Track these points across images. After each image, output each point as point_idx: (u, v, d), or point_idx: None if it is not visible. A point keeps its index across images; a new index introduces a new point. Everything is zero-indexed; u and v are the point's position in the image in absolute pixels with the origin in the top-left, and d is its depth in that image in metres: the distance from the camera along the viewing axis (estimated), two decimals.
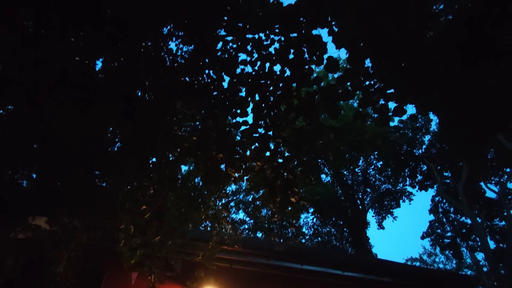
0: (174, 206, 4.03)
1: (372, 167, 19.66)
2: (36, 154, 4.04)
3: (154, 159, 4.03)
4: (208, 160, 3.70)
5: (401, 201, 19.87)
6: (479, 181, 17.45)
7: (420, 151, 18.51)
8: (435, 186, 18.78)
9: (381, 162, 19.16)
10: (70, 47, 3.74)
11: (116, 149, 4.28)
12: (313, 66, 3.27)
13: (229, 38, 3.46)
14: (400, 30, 2.93)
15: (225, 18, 3.21)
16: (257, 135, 3.52)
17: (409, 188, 19.82)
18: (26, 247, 4.77)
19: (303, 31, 3.20)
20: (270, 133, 3.53)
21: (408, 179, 19.32)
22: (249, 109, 3.56)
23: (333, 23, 3.11)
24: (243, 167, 3.68)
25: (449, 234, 19.58)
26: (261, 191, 3.87)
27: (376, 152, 18.12)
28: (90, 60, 4.06)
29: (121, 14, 3.47)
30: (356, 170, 19.31)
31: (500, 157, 15.82)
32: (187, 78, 3.80)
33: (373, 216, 20.73)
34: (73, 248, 3.91)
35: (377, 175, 19.63)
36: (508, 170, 16.47)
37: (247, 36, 3.42)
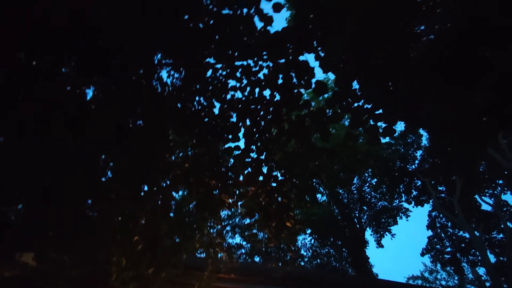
0: (167, 236, 3.93)
1: (367, 184, 19.66)
2: (24, 185, 3.95)
3: (146, 188, 3.97)
4: (200, 187, 3.65)
5: (398, 217, 19.75)
6: (473, 194, 17.53)
7: (413, 166, 18.65)
8: (430, 201, 18.77)
9: (375, 179, 19.19)
10: (61, 77, 3.76)
11: (107, 178, 4.21)
12: (302, 90, 3.33)
13: (219, 65, 3.53)
14: (384, 54, 3.02)
15: (214, 46, 3.28)
16: (250, 159, 3.52)
17: (405, 204, 19.77)
18: (12, 286, 4.54)
19: (291, 57, 3.28)
20: (263, 157, 3.52)
21: (403, 195, 19.31)
22: (240, 134, 3.58)
23: (319, 48, 3.20)
24: (237, 192, 3.64)
25: (448, 249, 19.36)
26: (256, 216, 3.81)
27: (370, 170, 18.18)
28: (80, 89, 4.07)
29: (111, 44, 3.53)
30: (352, 188, 19.27)
31: (491, 169, 16.01)
32: (178, 105, 3.82)
33: (371, 235, 20.47)
34: (62, 285, 3.74)
35: (372, 193, 19.59)
36: (500, 182, 16.62)
37: (236, 63, 3.49)
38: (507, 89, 3.69)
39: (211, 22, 3.32)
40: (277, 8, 2.76)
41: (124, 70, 3.79)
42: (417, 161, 18.54)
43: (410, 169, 18.64)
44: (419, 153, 18.51)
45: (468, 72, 4.25)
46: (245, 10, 2.93)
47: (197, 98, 3.64)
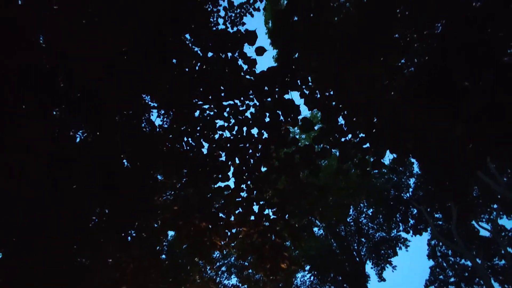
0: (156, 285, 3.71)
1: (363, 215, 19.37)
2: (6, 232, 3.76)
3: (133, 233, 3.81)
4: (191, 230, 3.52)
5: (397, 248, 19.26)
6: (470, 220, 17.36)
7: (408, 194, 18.58)
8: (428, 229, 18.50)
9: (371, 210, 18.96)
10: (50, 122, 3.74)
11: (94, 223, 4.05)
12: (289, 127, 3.36)
13: (206, 106, 3.57)
14: (366, 89, 3.12)
15: (201, 88, 3.34)
16: (240, 199, 3.44)
17: (403, 234, 19.43)
18: None
19: (276, 96, 3.35)
20: (253, 196, 3.45)
21: (400, 224, 19.01)
22: (230, 173, 3.54)
23: (303, 86, 3.29)
24: (228, 234, 3.52)
25: (452, 279, 18.74)
26: (250, 258, 3.66)
27: (365, 200, 18.02)
28: (68, 133, 4.04)
29: (99, 89, 3.56)
30: (348, 219, 18.94)
31: (485, 194, 16.03)
32: (168, 145, 3.80)
33: (372, 268, 19.79)
34: None
35: (369, 223, 19.25)
36: (495, 206, 16.59)
37: (223, 103, 3.54)
38: (486, 119, 3.80)
39: (198, 65, 3.41)
40: (259, 51, 2.86)
41: (113, 113, 3.80)
42: (411, 189, 18.51)
43: (405, 197, 18.55)
44: (412, 180, 18.55)
45: (446, 102, 4.39)
46: (229, 54, 3.03)
47: (185, 139, 3.63)
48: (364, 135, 3.24)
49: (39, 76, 3.39)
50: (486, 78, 5.47)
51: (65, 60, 3.32)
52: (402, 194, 18.92)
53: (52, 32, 2.89)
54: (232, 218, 3.53)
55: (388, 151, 3.47)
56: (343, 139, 3.28)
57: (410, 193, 19.01)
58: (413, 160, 17.59)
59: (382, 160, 3.27)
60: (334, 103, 3.24)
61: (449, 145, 3.86)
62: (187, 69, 3.22)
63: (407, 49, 8.80)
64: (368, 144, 3.22)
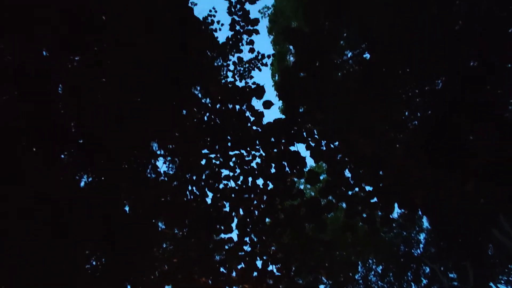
0: None
1: (373, 272, 18.21)
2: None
3: (128, 287, 3.59)
4: (190, 285, 3.32)
5: None
6: (488, 282, 16.17)
7: (419, 251, 17.63)
8: None
9: (381, 267, 17.87)
10: (54, 168, 3.76)
11: (89, 274, 3.85)
12: (295, 179, 3.33)
13: (212, 155, 3.60)
14: (372, 143, 3.14)
15: (208, 138, 3.40)
16: (243, 253, 3.29)
17: None
18: None
19: (282, 147, 3.38)
20: (257, 250, 3.30)
21: (413, 284, 17.74)
22: (233, 225, 3.43)
23: (309, 139, 3.33)
24: None
25: None
26: None
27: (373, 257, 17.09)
28: (72, 179, 4.04)
29: (105, 136, 3.64)
30: (356, 277, 17.78)
31: (502, 254, 15.15)
32: (172, 193, 3.76)
33: None
34: None
35: (379, 282, 18.01)
36: None
37: (229, 153, 3.57)
38: (496, 175, 3.73)
39: (206, 115, 3.52)
40: (267, 105, 2.96)
41: (119, 159, 3.84)
42: (421, 245, 17.61)
43: (416, 254, 17.57)
44: (422, 235, 17.73)
45: (453, 157, 4.36)
46: (237, 106, 3.14)
47: (190, 188, 3.60)
48: (371, 189, 3.18)
49: (51, 120, 3.51)
50: (490, 132, 5.51)
51: (79, 108, 3.46)
52: (413, 251, 17.95)
53: (69, 83, 3.05)
54: (234, 274, 3.34)
55: (396, 206, 3.38)
56: (350, 193, 3.21)
57: (421, 249, 18.04)
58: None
59: (390, 215, 3.16)
60: (340, 156, 3.25)
61: (460, 201, 3.75)
62: (195, 120, 3.31)
63: (410, 104, 9.04)
64: (375, 199, 3.15)
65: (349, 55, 10.47)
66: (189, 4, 4.78)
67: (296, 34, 2.67)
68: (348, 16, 7.49)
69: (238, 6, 5.34)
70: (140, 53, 2.90)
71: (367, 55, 9.93)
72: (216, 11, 7.65)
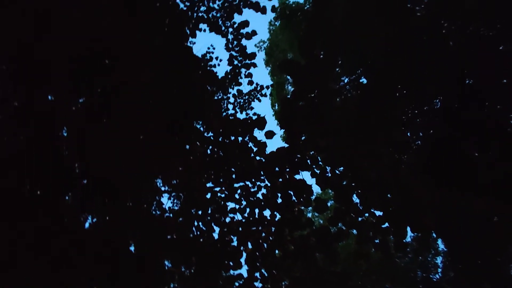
0: None
1: None
2: None
3: None
4: None
5: None
6: None
7: (437, 275, 16.82)
8: None
9: None
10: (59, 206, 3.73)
11: None
12: (303, 208, 3.27)
13: (217, 188, 3.57)
14: (377, 167, 3.11)
15: (212, 172, 3.39)
16: None
17: None
18: None
19: (287, 176, 3.36)
20: (269, 286, 3.17)
21: None
22: (242, 260, 3.32)
23: (313, 166, 3.31)
24: None
25: None
26: None
27: (390, 285, 16.29)
28: (77, 218, 3.99)
29: (109, 174, 3.64)
30: None
31: None
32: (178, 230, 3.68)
33: None
34: None
35: None
36: None
37: (234, 185, 3.54)
38: (504, 192, 3.66)
39: (209, 148, 3.54)
40: (269, 135, 2.98)
41: (124, 198, 3.81)
42: (439, 269, 16.84)
43: (435, 279, 16.74)
44: (439, 259, 17.01)
45: (459, 176, 4.29)
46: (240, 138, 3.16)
47: (196, 223, 3.54)
48: (381, 214, 3.10)
49: (57, 161, 3.54)
50: (494, 149, 5.45)
51: (83, 149, 3.49)
52: (431, 276, 17.14)
53: (74, 125, 3.11)
54: None
55: (409, 230, 3.28)
56: (360, 219, 3.14)
57: (440, 273, 17.23)
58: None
59: (404, 240, 3.06)
60: (346, 181, 3.21)
61: (473, 220, 3.64)
62: (198, 154, 3.32)
63: (411, 124, 9.06)
64: (387, 224, 3.06)
65: (345, 81, 10.71)
66: (188, 43, 4.99)
67: (292, 66, 2.75)
68: (342, 45, 7.75)
69: (235, 42, 5.57)
70: (144, 92, 2.98)
71: (363, 80, 10.15)
72: (214, 48, 7.96)
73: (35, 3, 2.67)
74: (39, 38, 2.28)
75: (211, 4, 5.49)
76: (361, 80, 10.31)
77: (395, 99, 7.72)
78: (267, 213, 3.41)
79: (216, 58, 7.81)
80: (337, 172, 3.31)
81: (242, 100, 7.60)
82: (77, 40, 2.23)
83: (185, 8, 5.51)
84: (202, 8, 5.54)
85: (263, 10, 4.88)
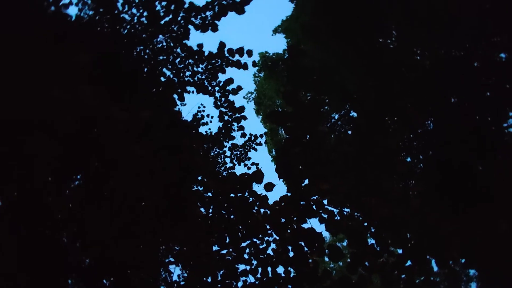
0: None
1: None
2: None
3: None
4: None
5: None
6: None
7: None
8: None
9: None
10: None
11: None
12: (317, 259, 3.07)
13: (224, 251, 3.38)
14: (386, 203, 2.99)
15: (216, 235, 3.24)
16: None
17: None
18: None
19: (295, 226, 3.20)
20: None
21: None
22: None
23: (320, 211, 3.18)
24: None
25: None
26: None
27: None
28: None
29: (114, 254, 3.46)
30: None
31: None
32: None
33: None
34: None
35: None
36: None
37: (241, 244, 3.36)
38: None
39: (210, 210, 3.42)
40: (268, 187, 2.91)
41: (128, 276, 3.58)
42: None
43: None
44: (474, 286, 15.80)
45: (472, 198, 4.15)
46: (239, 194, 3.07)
47: None
48: (401, 252, 2.91)
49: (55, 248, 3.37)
50: (499, 162, 5.36)
51: (83, 230, 3.36)
52: None
53: (69, 211, 3.03)
54: None
55: (434, 264, 3.05)
56: (379, 261, 2.93)
57: None
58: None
59: (431, 278, 2.83)
60: (356, 222, 3.06)
61: (500, 243, 3.42)
62: (199, 218, 3.20)
63: (409, 149, 9.04)
64: (409, 262, 2.86)
65: (336, 117, 10.91)
66: (177, 108, 5.13)
67: (280, 115, 2.78)
68: (326, 85, 8.05)
69: (223, 99, 5.75)
70: (137, 165, 2.95)
71: (353, 113, 10.36)
72: (204, 107, 8.18)
73: None
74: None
75: (195, 68, 5.76)
76: (351, 114, 10.52)
77: (387, 128, 7.81)
78: (280, 270, 3.19)
79: (208, 115, 7.99)
80: (345, 213, 3.18)
81: (238, 152, 7.62)
82: (65, 122, 2.26)
83: (171, 76, 5.77)
84: (188, 73, 5.81)
85: (245, 67, 5.11)
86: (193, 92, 6.53)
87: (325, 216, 3.16)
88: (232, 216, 3.28)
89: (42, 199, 2.72)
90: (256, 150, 8.04)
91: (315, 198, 3.24)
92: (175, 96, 5.52)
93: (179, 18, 5.36)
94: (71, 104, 2.04)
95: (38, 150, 2.34)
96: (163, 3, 5.23)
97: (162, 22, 5.41)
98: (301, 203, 3.20)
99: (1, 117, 2.42)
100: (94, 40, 4.36)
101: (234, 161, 7.78)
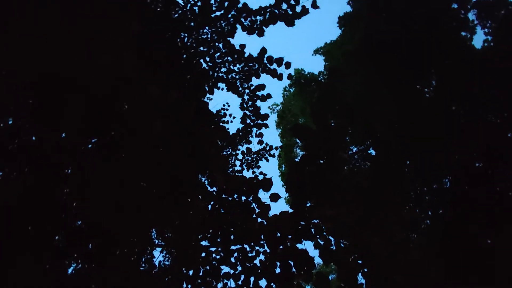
0: None
1: None
2: None
3: None
4: None
5: None
6: None
7: None
8: None
9: None
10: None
11: None
12: (302, 282, 2.99)
13: (213, 249, 3.35)
14: (386, 245, 2.90)
15: (210, 230, 3.22)
16: None
17: None
18: None
19: (289, 244, 3.14)
20: None
21: None
22: None
23: (318, 236, 3.12)
24: None
25: None
26: None
27: None
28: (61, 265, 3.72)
29: (105, 218, 3.48)
30: None
31: None
32: None
33: None
34: None
35: None
36: None
37: (231, 247, 3.32)
38: None
39: (210, 204, 3.41)
40: (274, 198, 2.88)
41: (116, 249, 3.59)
42: None
43: None
44: None
45: (472, 263, 3.97)
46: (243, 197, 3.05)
47: (184, 285, 3.24)
48: None
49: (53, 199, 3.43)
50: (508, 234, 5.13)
51: (83, 191, 3.41)
52: None
53: (79, 165, 3.09)
54: None
55: None
56: None
57: None
58: None
59: None
60: (352, 257, 2.97)
61: None
62: (198, 209, 3.19)
63: (420, 202, 8.76)
64: None
65: (354, 150, 10.78)
66: (205, 99, 5.20)
67: (304, 130, 2.77)
68: (352, 115, 7.99)
69: (250, 102, 5.79)
70: (153, 141, 2.99)
71: (371, 151, 10.20)
72: (229, 106, 8.28)
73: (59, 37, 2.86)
74: (57, 74, 2.38)
75: (231, 66, 5.85)
76: (369, 151, 10.37)
77: (403, 173, 7.63)
78: (263, 283, 3.12)
79: (230, 115, 8.07)
80: (342, 245, 3.10)
81: (250, 158, 7.62)
82: (95, 82, 2.32)
83: (207, 68, 5.87)
84: (223, 69, 5.89)
85: (279, 77, 5.15)
86: (222, 89, 6.63)
87: (322, 242, 3.10)
88: (230, 216, 3.26)
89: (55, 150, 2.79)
90: (268, 160, 8.02)
91: (316, 221, 3.18)
92: (206, 88, 5.60)
93: (229, 16, 5.48)
94: (112, 69, 2.10)
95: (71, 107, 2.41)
96: None
97: (213, 15, 5.56)
98: (301, 223, 3.15)
99: (51, 70, 2.52)
100: (146, 15, 4.51)
101: (243, 165, 7.77)
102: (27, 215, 3.36)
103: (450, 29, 8.64)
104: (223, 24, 5.61)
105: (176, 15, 5.72)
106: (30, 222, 3.43)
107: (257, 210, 3.24)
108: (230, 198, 3.09)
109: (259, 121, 5.79)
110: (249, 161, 7.51)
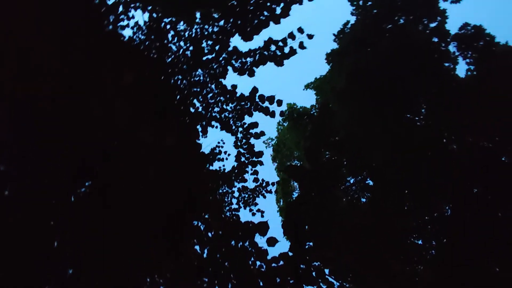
0: None
1: None
2: None
3: None
4: None
5: None
6: None
7: None
8: None
9: None
10: None
11: None
12: None
13: None
14: (390, 285, 2.77)
15: (206, 279, 3.06)
16: None
17: None
18: None
19: None
20: None
21: None
22: None
23: (319, 280, 2.98)
24: None
25: None
26: None
27: None
28: None
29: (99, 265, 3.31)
30: None
31: None
32: None
33: None
34: None
35: None
36: None
37: None
38: None
39: (206, 250, 3.28)
40: (271, 242, 2.78)
41: None
42: None
43: None
44: None
45: None
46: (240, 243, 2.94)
47: None
48: None
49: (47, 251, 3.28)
50: None
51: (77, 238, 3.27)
52: None
53: (70, 214, 2.99)
54: None
55: None
56: None
57: None
58: None
59: None
60: None
61: None
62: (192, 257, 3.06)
63: (422, 232, 8.59)
64: None
65: (351, 181, 10.69)
66: (198, 141, 5.21)
67: (298, 171, 2.74)
68: (346, 148, 8.04)
69: (244, 140, 5.82)
70: (144, 186, 2.93)
71: (369, 181, 10.13)
72: (224, 143, 8.29)
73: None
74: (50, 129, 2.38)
75: (224, 106, 5.95)
76: (367, 182, 10.29)
77: (403, 204, 7.52)
78: None
79: (225, 152, 8.06)
80: None
81: (246, 196, 7.49)
82: (89, 135, 2.32)
83: (200, 109, 5.97)
84: (216, 109, 5.99)
85: (272, 114, 5.23)
86: (216, 127, 6.68)
87: (324, 287, 2.95)
88: (226, 263, 3.12)
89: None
90: (265, 197, 7.89)
91: (316, 264, 3.06)
92: (199, 128, 5.65)
93: (221, 58, 5.68)
94: (104, 119, 2.11)
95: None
96: (210, 42, 5.60)
97: (204, 58, 5.76)
98: (301, 266, 3.02)
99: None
100: (140, 61, 4.65)
101: (240, 203, 7.62)
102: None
103: (433, 61, 9.02)
104: (214, 66, 5.80)
105: (169, 60, 5.91)
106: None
107: (254, 255, 3.12)
108: (226, 244, 2.97)
109: (254, 159, 5.78)
110: (245, 198, 7.38)
